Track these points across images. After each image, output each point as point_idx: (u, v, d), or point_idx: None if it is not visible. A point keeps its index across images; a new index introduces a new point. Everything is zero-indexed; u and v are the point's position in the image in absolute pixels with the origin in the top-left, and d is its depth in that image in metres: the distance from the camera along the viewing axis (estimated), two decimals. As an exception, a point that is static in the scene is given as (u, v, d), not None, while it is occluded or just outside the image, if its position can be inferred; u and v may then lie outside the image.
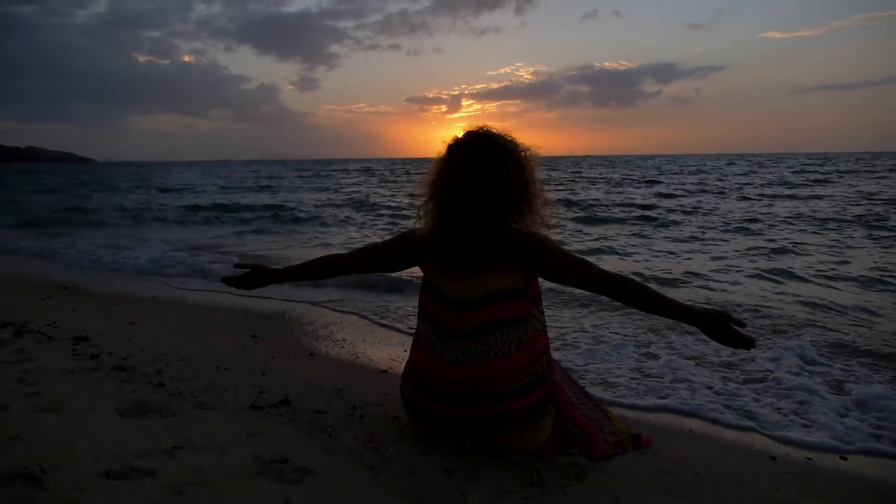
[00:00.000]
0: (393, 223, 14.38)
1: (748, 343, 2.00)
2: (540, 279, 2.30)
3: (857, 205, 15.44)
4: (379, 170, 53.60)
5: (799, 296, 6.02)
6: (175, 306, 5.63)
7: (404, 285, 6.15)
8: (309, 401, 2.72)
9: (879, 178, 27.06)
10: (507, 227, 2.24)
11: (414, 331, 2.41)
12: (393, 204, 18.84)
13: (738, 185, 24.20)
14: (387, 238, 2.54)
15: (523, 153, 2.27)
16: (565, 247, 2.31)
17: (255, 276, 2.56)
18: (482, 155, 2.22)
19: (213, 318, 5.12)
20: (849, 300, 5.82)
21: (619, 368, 3.76)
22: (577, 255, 2.30)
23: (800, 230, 11.48)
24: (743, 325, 2.02)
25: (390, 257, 2.42)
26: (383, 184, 31.27)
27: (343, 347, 4.25)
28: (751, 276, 7.15)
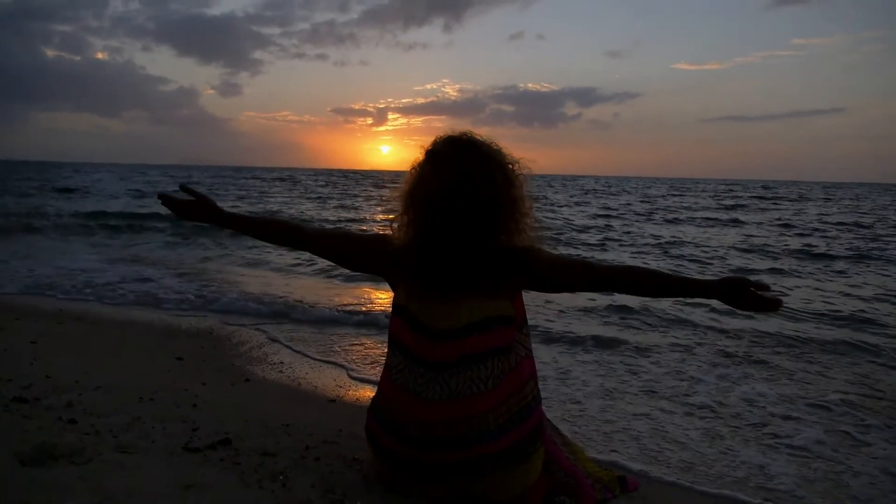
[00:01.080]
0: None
1: (775, 305, 1.80)
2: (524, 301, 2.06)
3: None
4: (303, 179, 51.92)
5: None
6: (85, 322, 5.04)
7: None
8: (253, 440, 2.36)
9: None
10: (493, 242, 1.98)
11: (384, 362, 2.11)
12: (332, 217, 18.10)
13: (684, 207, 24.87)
14: (362, 232, 2.21)
15: (511, 165, 2.02)
16: None
17: (198, 205, 2.15)
18: (465, 163, 1.96)
19: (130, 336, 4.59)
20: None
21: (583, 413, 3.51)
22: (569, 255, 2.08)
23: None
24: (766, 288, 1.82)
25: (359, 252, 2.11)
26: (308, 195, 29.87)
27: (282, 372, 3.87)
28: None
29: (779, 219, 20.27)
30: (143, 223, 14.39)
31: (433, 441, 1.95)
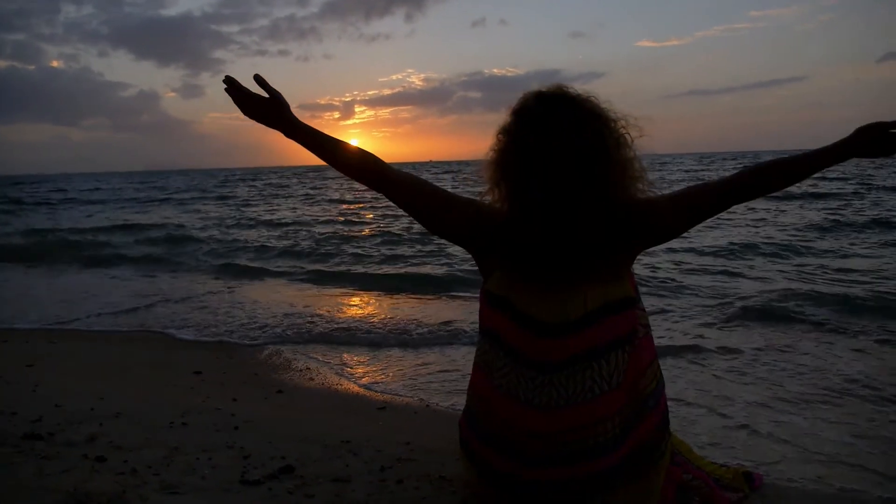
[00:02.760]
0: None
1: None
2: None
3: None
4: (275, 180, 48.99)
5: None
6: (78, 340, 4.62)
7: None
8: (317, 464, 2.02)
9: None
10: (606, 213, 1.64)
11: (475, 361, 1.77)
12: (327, 219, 15.63)
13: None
14: (453, 191, 1.84)
15: (620, 122, 1.69)
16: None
17: (269, 104, 1.77)
18: (565, 120, 1.61)
19: (133, 351, 4.20)
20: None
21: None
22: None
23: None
24: None
25: (450, 216, 1.74)
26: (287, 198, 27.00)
27: (312, 379, 3.52)
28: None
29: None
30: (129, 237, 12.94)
31: (549, 456, 1.63)
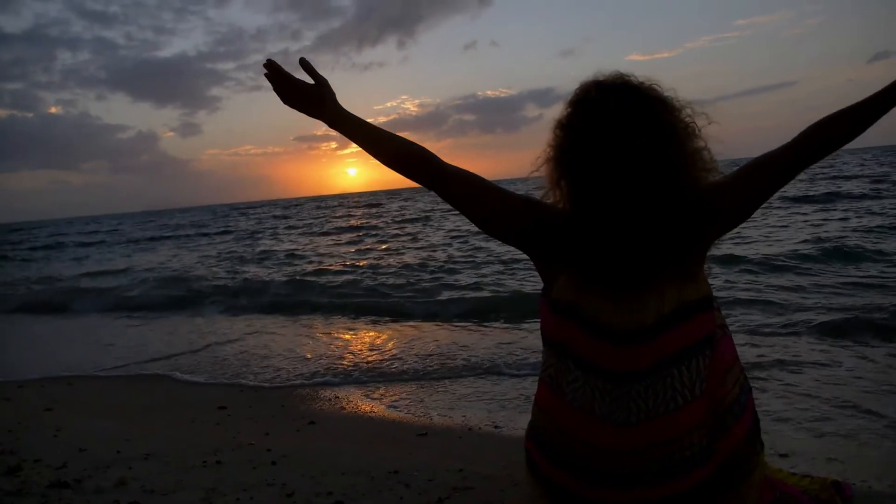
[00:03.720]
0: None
1: None
2: None
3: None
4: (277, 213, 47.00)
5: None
6: (96, 381, 4.47)
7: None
8: (367, 498, 1.87)
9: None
10: (678, 208, 1.50)
11: (540, 377, 1.62)
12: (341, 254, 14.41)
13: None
14: (506, 188, 1.69)
15: (686, 111, 1.55)
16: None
17: (316, 91, 1.61)
18: (629, 110, 1.48)
19: (148, 389, 4.04)
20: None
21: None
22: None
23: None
24: None
25: (508, 216, 1.60)
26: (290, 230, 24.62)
27: (344, 408, 3.37)
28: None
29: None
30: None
31: (631, 476, 1.48)
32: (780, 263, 7.33)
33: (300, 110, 1.59)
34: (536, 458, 1.61)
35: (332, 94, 1.57)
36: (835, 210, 12.72)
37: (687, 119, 1.52)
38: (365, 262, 11.35)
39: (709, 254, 1.57)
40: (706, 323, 1.49)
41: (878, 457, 2.29)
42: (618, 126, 1.44)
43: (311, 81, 1.56)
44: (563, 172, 1.52)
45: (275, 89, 1.59)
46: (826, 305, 5.12)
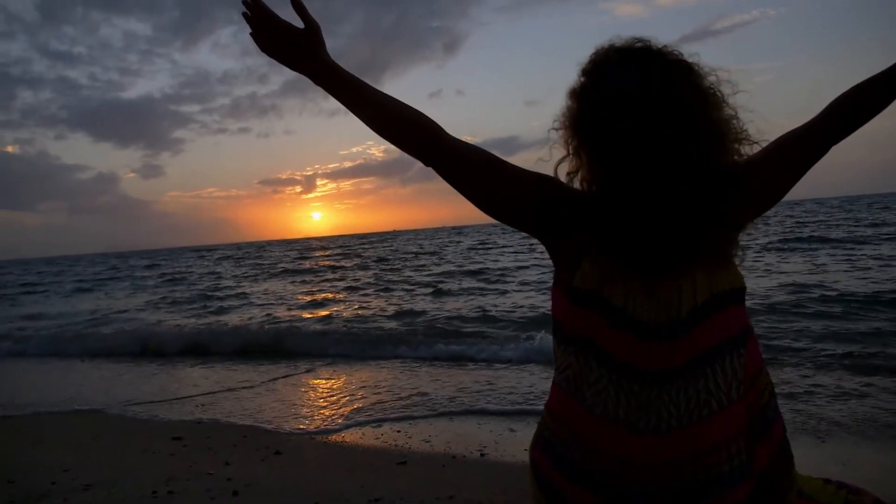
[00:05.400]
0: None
1: None
2: None
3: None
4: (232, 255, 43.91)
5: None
6: (40, 415, 4.07)
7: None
8: (347, 528, 1.61)
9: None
10: (711, 183, 1.32)
11: (554, 381, 1.40)
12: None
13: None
14: (516, 165, 1.46)
15: (712, 77, 1.39)
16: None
17: (304, 35, 1.33)
18: (653, 75, 1.30)
19: (102, 422, 3.68)
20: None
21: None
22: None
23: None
24: None
25: (517, 193, 1.38)
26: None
27: (312, 437, 3.07)
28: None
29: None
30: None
31: (662, 493, 1.25)
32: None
33: (280, 60, 1.36)
34: (545, 470, 1.38)
35: (324, 45, 1.36)
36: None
37: (714, 85, 1.36)
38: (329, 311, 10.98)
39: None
40: (740, 316, 1.30)
41: None
42: (642, 92, 1.27)
43: (302, 25, 1.36)
44: (581, 145, 1.33)
45: (252, 32, 1.36)
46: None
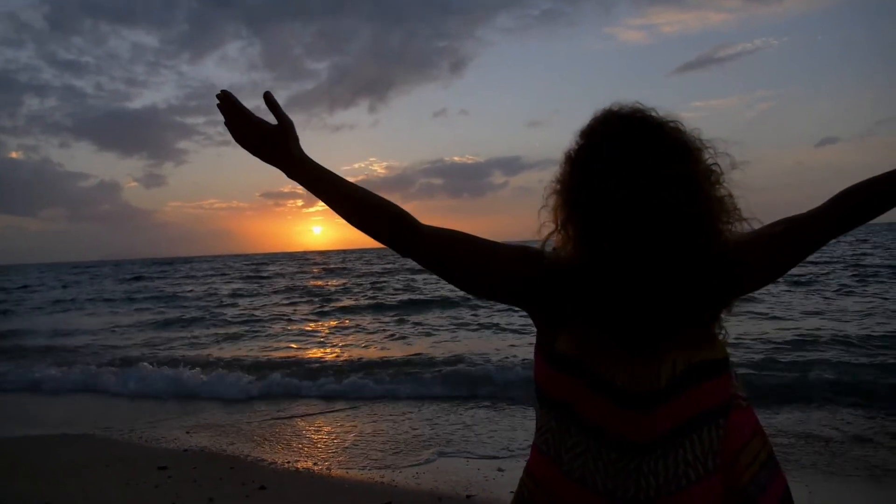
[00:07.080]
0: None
1: None
2: None
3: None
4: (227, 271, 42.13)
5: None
6: (26, 441, 4.04)
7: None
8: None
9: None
10: (697, 262, 1.33)
11: (534, 443, 1.41)
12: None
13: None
14: (494, 241, 1.46)
15: (709, 151, 1.41)
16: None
17: (277, 133, 1.32)
18: (648, 146, 1.32)
19: (79, 447, 3.65)
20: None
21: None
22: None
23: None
24: None
25: (497, 272, 1.38)
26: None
27: (297, 470, 3.06)
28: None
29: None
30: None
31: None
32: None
33: (254, 153, 1.36)
34: (525, 533, 1.38)
35: (296, 140, 1.35)
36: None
37: (710, 162, 1.38)
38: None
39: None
40: (721, 388, 1.31)
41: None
42: (637, 167, 1.28)
43: (274, 122, 1.35)
44: (569, 216, 1.35)
45: (227, 124, 1.37)
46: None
